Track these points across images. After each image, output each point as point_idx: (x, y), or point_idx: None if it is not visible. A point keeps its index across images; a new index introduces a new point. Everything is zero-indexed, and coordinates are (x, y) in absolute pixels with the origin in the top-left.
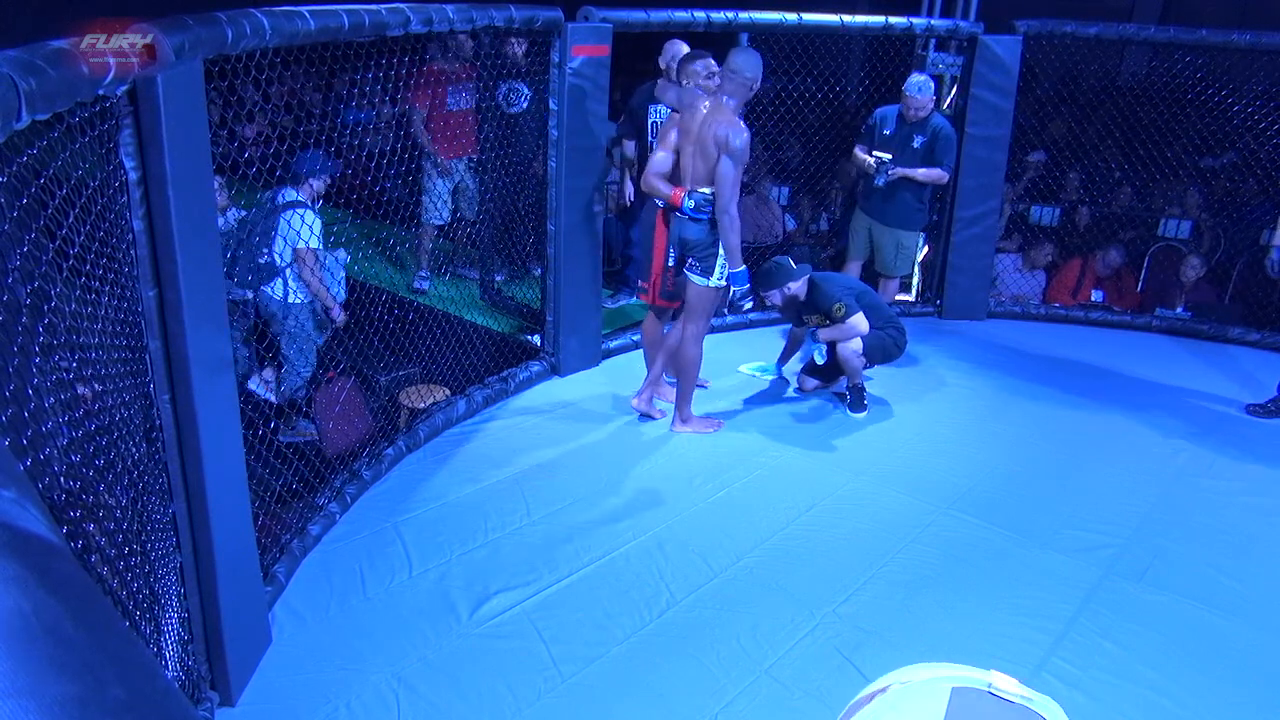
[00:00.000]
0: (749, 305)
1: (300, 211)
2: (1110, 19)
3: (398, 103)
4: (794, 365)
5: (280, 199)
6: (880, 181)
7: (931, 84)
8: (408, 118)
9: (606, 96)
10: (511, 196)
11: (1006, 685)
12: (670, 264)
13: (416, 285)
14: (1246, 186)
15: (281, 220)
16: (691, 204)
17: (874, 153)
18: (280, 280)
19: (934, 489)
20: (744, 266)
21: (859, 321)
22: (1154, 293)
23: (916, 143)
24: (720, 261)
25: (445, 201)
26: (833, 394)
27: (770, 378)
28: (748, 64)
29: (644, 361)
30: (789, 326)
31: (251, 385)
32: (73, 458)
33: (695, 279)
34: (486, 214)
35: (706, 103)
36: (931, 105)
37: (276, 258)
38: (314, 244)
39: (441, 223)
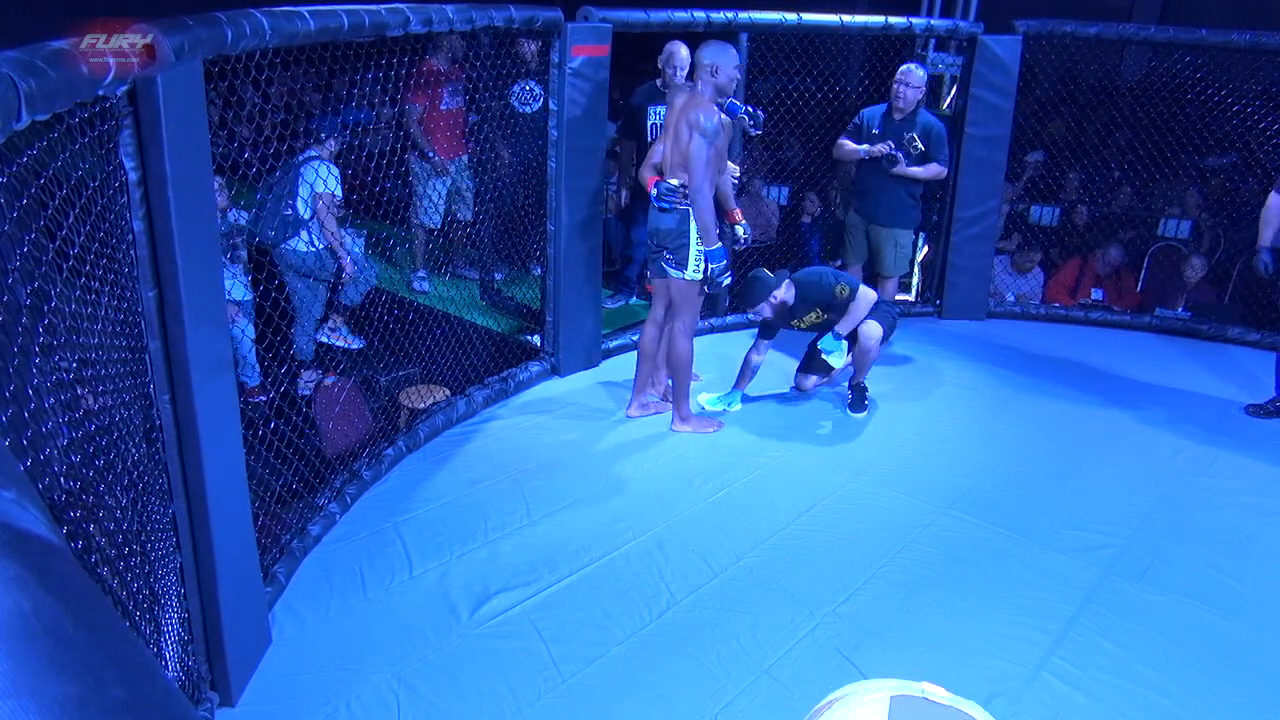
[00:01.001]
0: (728, 281)
1: (318, 164)
2: (1110, 19)
3: (397, 103)
4: (782, 365)
5: (301, 157)
6: (891, 166)
7: (924, 72)
8: (405, 116)
9: (606, 96)
10: (516, 196)
11: (937, 692)
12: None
13: (416, 286)
14: (1246, 186)
15: (303, 172)
16: (655, 192)
17: (887, 142)
18: (306, 231)
19: (934, 489)
20: (719, 244)
21: (867, 294)
22: (1154, 293)
23: (908, 144)
24: (694, 252)
25: (442, 202)
26: (833, 393)
27: (736, 408)
28: (707, 53)
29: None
30: (755, 341)
31: (321, 337)
32: (73, 458)
33: (673, 273)
34: (486, 214)
35: (683, 96)
36: (922, 95)
37: (301, 208)
38: (332, 187)
39: (434, 225)
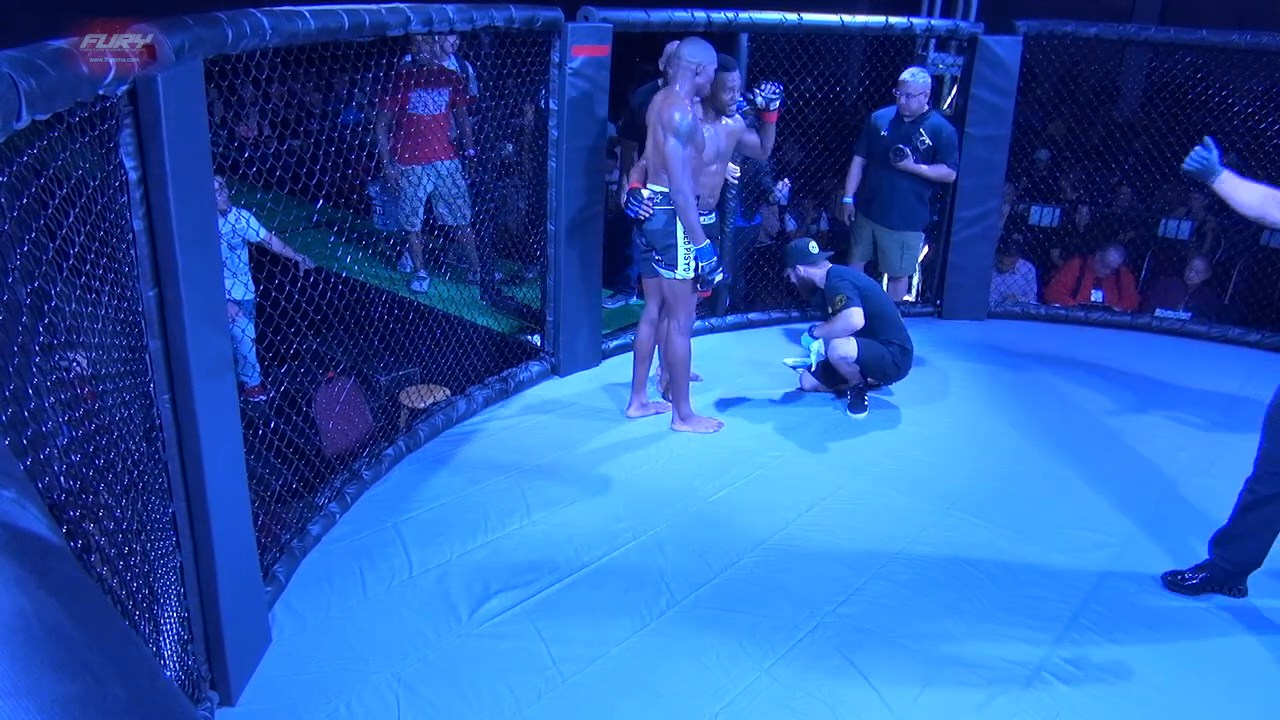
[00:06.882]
0: (719, 278)
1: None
2: (1110, 19)
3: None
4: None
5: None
6: (899, 159)
7: (928, 74)
8: (374, 121)
9: (606, 96)
10: (532, 196)
11: None
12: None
13: (415, 287)
14: None
15: None
16: (623, 199)
17: (896, 146)
18: None
19: (934, 489)
20: (707, 241)
21: (851, 316)
22: (1154, 293)
23: (916, 142)
24: (683, 251)
25: (420, 206)
26: (832, 395)
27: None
28: (691, 50)
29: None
30: (787, 325)
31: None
32: (73, 458)
33: (664, 273)
34: (485, 214)
35: (660, 94)
36: (928, 98)
37: None
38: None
39: (414, 229)
